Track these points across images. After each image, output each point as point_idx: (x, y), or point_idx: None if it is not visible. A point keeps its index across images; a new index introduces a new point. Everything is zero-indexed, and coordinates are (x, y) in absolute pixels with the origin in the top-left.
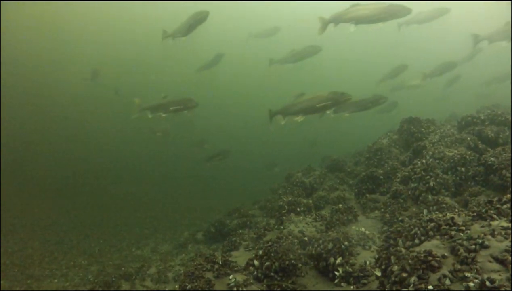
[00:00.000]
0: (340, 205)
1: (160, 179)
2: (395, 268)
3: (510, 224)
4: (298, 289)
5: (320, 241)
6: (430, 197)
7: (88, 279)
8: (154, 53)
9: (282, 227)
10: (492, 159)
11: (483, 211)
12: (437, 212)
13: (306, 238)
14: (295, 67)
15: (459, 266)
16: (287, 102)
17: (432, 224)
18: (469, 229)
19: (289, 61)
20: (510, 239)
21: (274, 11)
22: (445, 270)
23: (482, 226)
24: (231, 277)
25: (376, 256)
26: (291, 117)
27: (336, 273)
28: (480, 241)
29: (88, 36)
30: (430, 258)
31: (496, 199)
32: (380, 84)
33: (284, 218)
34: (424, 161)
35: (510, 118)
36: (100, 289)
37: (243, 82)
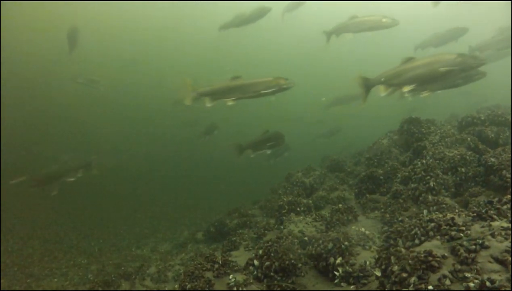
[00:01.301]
0: (340, 205)
1: (160, 178)
2: (395, 268)
3: (510, 225)
4: (298, 289)
5: (320, 241)
6: (430, 197)
7: (87, 278)
8: (155, 53)
9: (282, 227)
10: (492, 159)
11: (483, 211)
12: (437, 212)
13: (306, 238)
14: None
15: (459, 267)
16: (389, 69)
17: (432, 224)
18: (469, 230)
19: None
20: (510, 240)
21: None
22: (445, 270)
23: (482, 227)
24: (231, 276)
25: (376, 256)
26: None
27: (336, 273)
28: (480, 242)
29: (88, 36)
30: (430, 258)
31: (496, 199)
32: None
33: (284, 218)
34: (424, 161)
35: (510, 119)
36: (100, 289)
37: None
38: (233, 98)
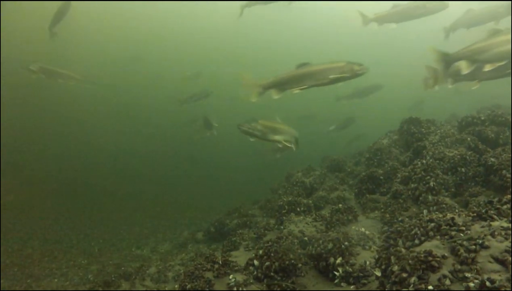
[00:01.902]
0: (340, 205)
1: (160, 178)
2: (395, 268)
3: (510, 225)
4: (298, 289)
5: (320, 241)
6: (430, 197)
7: (87, 278)
8: (155, 52)
9: (282, 227)
10: (492, 159)
11: (483, 211)
12: (437, 212)
13: (306, 238)
14: None
15: (459, 266)
16: (473, 43)
17: (432, 224)
18: (469, 229)
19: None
20: (510, 240)
21: None
22: (445, 270)
23: (482, 227)
24: (231, 276)
25: (376, 256)
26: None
27: (336, 273)
28: (480, 242)
29: (88, 36)
30: (430, 258)
31: (496, 199)
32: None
33: (284, 218)
34: (424, 161)
35: (510, 119)
36: (100, 289)
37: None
38: (302, 87)
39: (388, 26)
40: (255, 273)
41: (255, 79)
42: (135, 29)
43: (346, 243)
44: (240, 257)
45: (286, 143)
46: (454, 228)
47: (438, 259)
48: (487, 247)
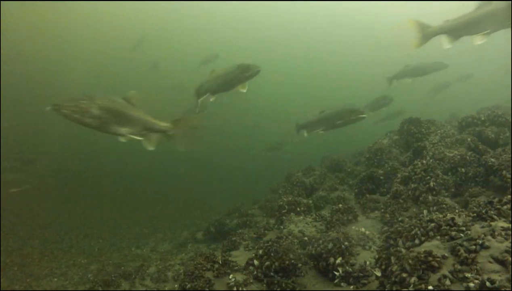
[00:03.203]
0: (340, 205)
1: (160, 178)
2: (395, 268)
3: (510, 225)
4: (298, 289)
5: (320, 241)
6: (430, 197)
7: (87, 278)
8: (155, 52)
9: (282, 226)
10: (492, 159)
11: (483, 211)
12: (437, 213)
13: (306, 238)
14: None
15: (459, 267)
16: None
17: (432, 224)
18: (469, 230)
19: None
20: (510, 240)
21: None
22: (445, 271)
23: (483, 227)
24: (231, 276)
25: (376, 256)
26: None
27: (336, 273)
28: (480, 242)
29: (89, 36)
30: (430, 258)
31: (496, 199)
32: None
33: (284, 217)
34: (424, 162)
35: (511, 119)
36: (100, 288)
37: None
38: (483, 32)
39: None
40: (255, 273)
41: (423, 24)
42: (134, 28)
43: (346, 243)
44: (240, 257)
45: (137, 138)
46: (454, 228)
47: (438, 259)
48: (487, 247)
